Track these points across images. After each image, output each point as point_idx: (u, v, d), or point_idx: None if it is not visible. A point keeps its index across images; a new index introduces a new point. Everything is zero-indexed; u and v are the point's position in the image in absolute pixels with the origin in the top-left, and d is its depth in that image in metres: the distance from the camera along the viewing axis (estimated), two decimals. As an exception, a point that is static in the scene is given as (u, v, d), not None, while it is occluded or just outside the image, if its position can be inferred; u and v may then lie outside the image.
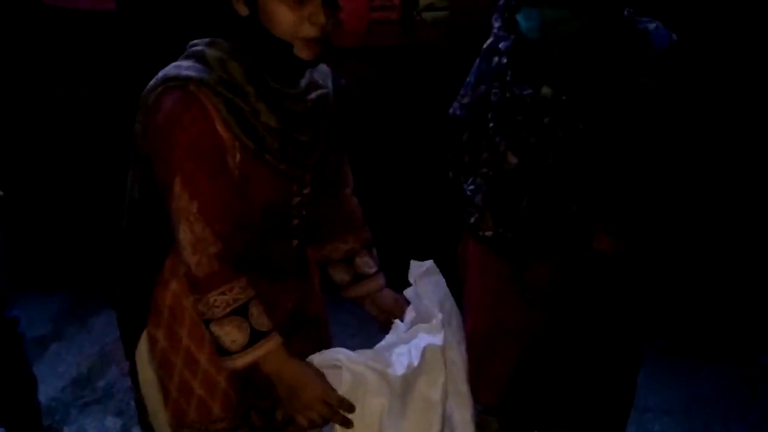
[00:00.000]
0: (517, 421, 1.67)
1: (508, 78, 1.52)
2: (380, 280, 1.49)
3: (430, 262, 1.35)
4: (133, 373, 1.44)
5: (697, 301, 3.06)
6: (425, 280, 1.34)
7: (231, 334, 1.21)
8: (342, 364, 1.22)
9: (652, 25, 1.47)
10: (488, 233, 1.58)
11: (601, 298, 1.54)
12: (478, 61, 1.63)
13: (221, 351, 1.24)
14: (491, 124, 1.55)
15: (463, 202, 1.64)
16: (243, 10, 1.16)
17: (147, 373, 1.41)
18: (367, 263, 1.49)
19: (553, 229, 1.51)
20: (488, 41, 1.61)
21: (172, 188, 1.18)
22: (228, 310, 1.20)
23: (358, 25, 4.74)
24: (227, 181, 1.21)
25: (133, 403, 1.51)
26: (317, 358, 1.27)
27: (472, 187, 1.61)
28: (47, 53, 3.15)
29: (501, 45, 1.57)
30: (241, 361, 1.22)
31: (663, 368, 2.75)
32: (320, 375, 1.25)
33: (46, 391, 2.53)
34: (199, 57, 1.20)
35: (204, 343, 1.34)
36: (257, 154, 1.22)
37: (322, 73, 1.35)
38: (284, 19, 1.13)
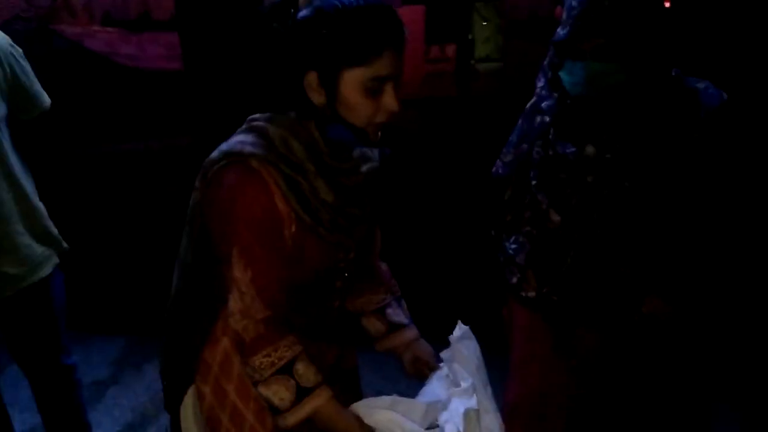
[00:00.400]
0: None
1: (550, 136, 1.51)
2: (415, 330, 1.50)
3: (466, 328, 1.35)
4: (175, 426, 1.45)
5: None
6: (461, 344, 1.34)
7: (279, 393, 1.23)
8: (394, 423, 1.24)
9: (701, 85, 1.43)
10: (531, 294, 1.55)
11: (651, 364, 1.50)
12: (520, 120, 1.62)
13: (273, 410, 1.25)
14: (534, 182, 1.54)
15: (505, 262, 1.62)
16: (318, 99, 1.19)
17: (190, 429, 1.42)
18: (399, 314, 1.51)
19: (599, 292, 1.46)
20: (531, 101, 1.61)
21: (230, 258, 1.21)
22: (273, 369, 1.23)
23: (414, 77, 4.84)
24: (281, 254, 1.24)
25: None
26: (365, 406, 1.28)
27: (514, 246, 1.59)
28: (116, 110, 3.33)
29: (544, 104, 1.56)
30: (292, 419, 1.24)
31: None
32: (369, 429, 1.26)
33: (102, 437, 2.61)
34: (261, 133, 1.23)
35: (251, 400, 1.35)
36: (312, 228, 1.24)
37: (372, 150, 1.39)
38: (364, 112, 1.17)
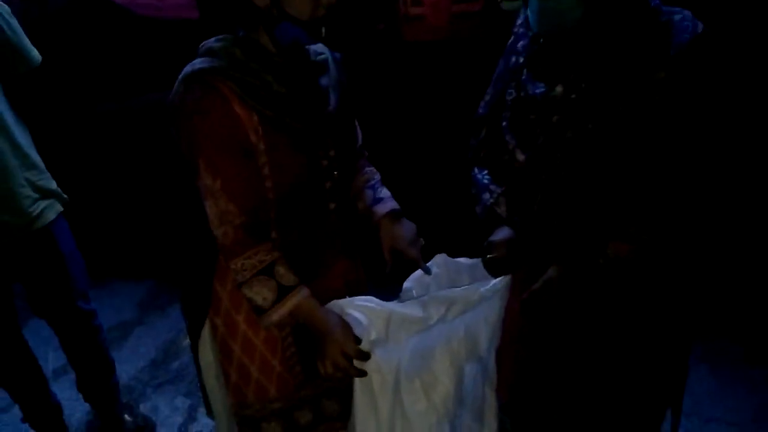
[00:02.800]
0: (529, 424, 1.66)
1: (523, 77, 1.49)
2: (397, 205, 1.57)
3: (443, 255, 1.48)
4: (196, 359, 1.57)
5: None
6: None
7: (261, 293, 1.33)
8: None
9: (678, 16, 1.34)
10: (502, 212, 1.56)
11: (615, 305, 1.47)
12: (501, 60, 1.60)
13: (257, 310, 1.35)
14: (504, 123, 1.53)
15: (478, 191, 1.61)
16: (263, 1, 1.27)
17: (207, 359, 1.53)
18: (383, 190, 1.60)
19: (563, 232, 1.44)
20: (510, 40, 1.57)
21: (198, 169, 1.30)
22: (254, 271, 1.32)
23: (440, 20, 4.73)
24: (249, 159, 1.31)
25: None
26: (343, 303, 1.40)
27: (488, 177, 1.60)
28: (134, 60, 3.40)
29: (519, 44, 1.52)
30: (275, 316, 1.34)
31: (736, 378, 2.58)
32: (345, 325, 1.36)
33: (127, 371, 2.78)
34: (207, 52, 1.33)
35: (260, 328, 1.44)
36: (276, 121, 1.32)
37: (320, 46, 1.48)
38: (306, 6, 1.28)
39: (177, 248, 1.55)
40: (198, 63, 1.30)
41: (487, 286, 1.45)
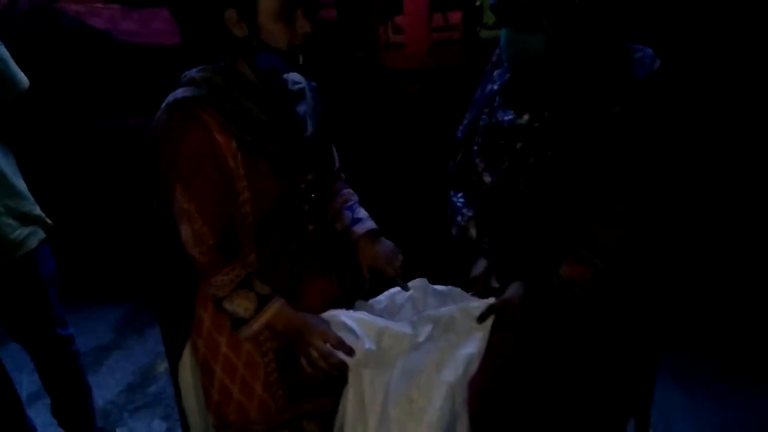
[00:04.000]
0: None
1: (495, 104, 1.57)
2: (375, 225, 1.62)
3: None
4: (175, 380, 1.57)
5: (742, 320, 2.96)
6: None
7: (242, 304, 1.37)
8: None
9: (638, 54, 1.44)
10: (472, 232, 1.62)
11: (579, 323, 1.52)
12: (479, 86, 1.67)
13: (237, 323, 1.39)
14: (475, 147, 1.61)
15: (453, 213, 1.68)
16: (241, 32, 1.32)
17: (187, 380, 1.54)
18: (361, 211, 1.65)
19: (525, 254, 1.52)
20: (488, 67, 1.65)
21: (174, 193, 1.33)
22: (233, 285, 1.37)
23: (420, 48, 4.82)
24: (226, 184, 1.35)
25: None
26: (337, 312, 1.46)
27: (462, 200, 1.67)
28: (120, 86, 3.42)
29: (495, 72, 1.61)
30: (257, 325, 1.38)
31: (705, 393, 2.63)
32: (325, 322, 1.42)
33: (104, 395, 2.73)
34: (189, 82, 1.37)
35: (242, 352, 1.47)
36: (256, 147, 1.36)
37: (297, 75, 1.55)
38: (283, 37, 1.33)
39: (156, 271, 1.56)
40: (180, 92, 1.34)
41: (473, 305, 1.50)
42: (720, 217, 3.00)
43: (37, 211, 2.03)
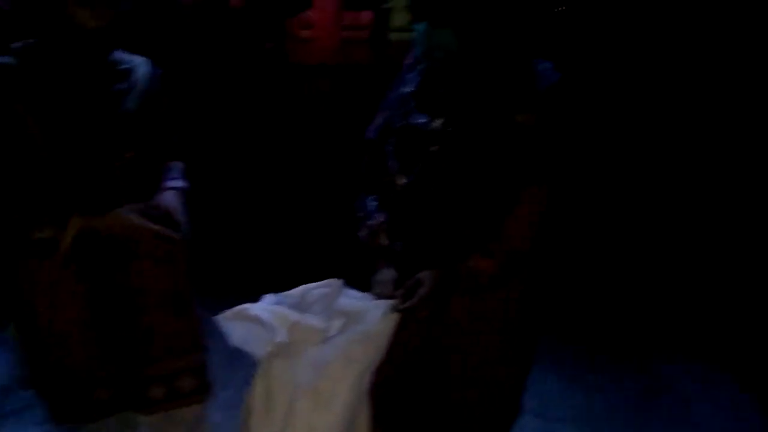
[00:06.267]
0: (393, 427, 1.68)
1: (410, 106, 1.60)
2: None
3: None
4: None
5: (616, 310, 3.21)
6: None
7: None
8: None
9: (540, 66, 1.52)
10: (384, 243, 1.65)
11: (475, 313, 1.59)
12: (392, 88, 1.69)
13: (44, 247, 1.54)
14: (389, 148, 1.63)
15: (363, 217, 1.70)
16: (54, 11, 1.46)
17: None
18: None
19: (437, 253, 1.57)
20: (403, 69, 1.68)
21: None
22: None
23: (328, 45, 4.77)
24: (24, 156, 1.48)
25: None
26: (249, 306, 1.51)
27: (374, 203, 1.69)
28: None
29: (409, 75, 1.64)
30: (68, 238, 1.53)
31: (581, 378, 2.83)
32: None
33: (-26, 400, 2.53)
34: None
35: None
36: (60, 120, 1.49)
37: (129, 58, 1.67)
38: (88, 19, 1.45)
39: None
40: None
41: (384, 302, 1.54)
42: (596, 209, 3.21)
43: None
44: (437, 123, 1.54)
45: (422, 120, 1.56)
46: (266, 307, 1.49)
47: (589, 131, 2.60)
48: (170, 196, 1.71)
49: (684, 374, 2.88)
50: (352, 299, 1.58)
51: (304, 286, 1.62)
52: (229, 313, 1.50)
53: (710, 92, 3.17)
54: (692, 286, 3.27)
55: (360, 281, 1.66)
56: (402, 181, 1.60)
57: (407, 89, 1.61)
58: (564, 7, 2.97)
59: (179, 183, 1.77)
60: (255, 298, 1.60)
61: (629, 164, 3.36)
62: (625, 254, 3.36)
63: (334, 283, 1.61)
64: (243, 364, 1.63)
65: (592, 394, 2.72)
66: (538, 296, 1.65)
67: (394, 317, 1.52)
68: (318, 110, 3.87)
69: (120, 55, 1.66)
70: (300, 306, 1.57)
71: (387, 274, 1.63)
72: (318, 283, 1.62)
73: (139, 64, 1.68)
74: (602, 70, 3.07)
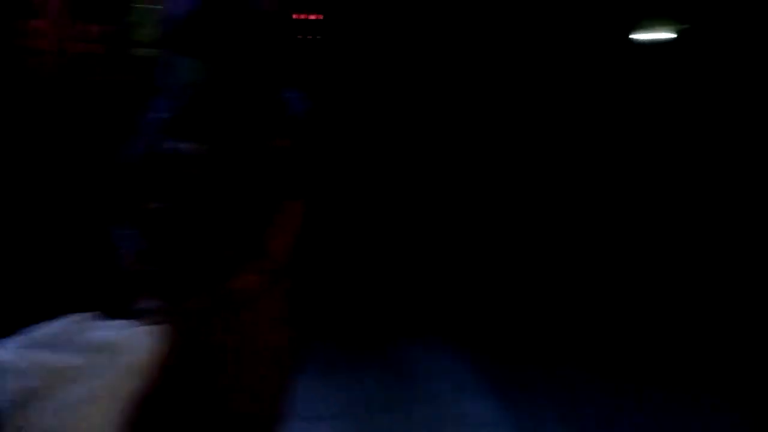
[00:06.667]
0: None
1: (166, 131, 1.59)
2: None
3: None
4: None
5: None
6: None
7: None
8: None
9: (291, 95, 1.63)
10: (139, 270, 1.62)
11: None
12: (146, 111, 1.67)
13: None
14: (146, 173, 1.61)
15: (122, 243, 1.66)
16: None
17: None
18: None
19: (198, 273, 1.58)
20: (156, 92, 1.67)
21: None
22: None
23: (56, 58, 4.39)
24: None
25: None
26: None
27: (129, 231, 1.65)
28: None
29: (163, 100, 1.63)
30: None
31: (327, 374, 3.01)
32: None
33: None
34: None
35: None
36: None
37: None
38: None
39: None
40: None
41: (141, 327, 1.49)
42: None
43: None
44: (193, 148, 1.55)
45: (181, 145, 1.56)
46: (10, 348, 1.36)
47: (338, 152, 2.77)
48: None
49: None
50: (112, 330, 1.51)
51: (54, 321, 1.50)
52: None
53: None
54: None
55: (121, 311, 1.60)
56: (158, 206, 1.58)
57: (161, 114, 1.60)
58: (311, 37, 3.11)
59: None
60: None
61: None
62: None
63: (88, 315, 1.51)
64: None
65: (339, 390, 2.88)
66: (299, 302, 1.72)
67: (159, 345, 1.48)
68: (51, 129, 3.57)
69: None
70: (51, 344, 1.45)
71: (150, 303, 1.60)
72: (70, 316, 1.51)
73: None
74: (350, 95, 3.28)
